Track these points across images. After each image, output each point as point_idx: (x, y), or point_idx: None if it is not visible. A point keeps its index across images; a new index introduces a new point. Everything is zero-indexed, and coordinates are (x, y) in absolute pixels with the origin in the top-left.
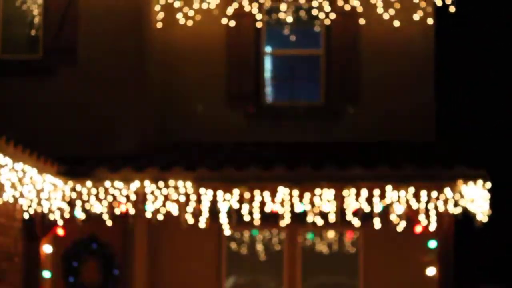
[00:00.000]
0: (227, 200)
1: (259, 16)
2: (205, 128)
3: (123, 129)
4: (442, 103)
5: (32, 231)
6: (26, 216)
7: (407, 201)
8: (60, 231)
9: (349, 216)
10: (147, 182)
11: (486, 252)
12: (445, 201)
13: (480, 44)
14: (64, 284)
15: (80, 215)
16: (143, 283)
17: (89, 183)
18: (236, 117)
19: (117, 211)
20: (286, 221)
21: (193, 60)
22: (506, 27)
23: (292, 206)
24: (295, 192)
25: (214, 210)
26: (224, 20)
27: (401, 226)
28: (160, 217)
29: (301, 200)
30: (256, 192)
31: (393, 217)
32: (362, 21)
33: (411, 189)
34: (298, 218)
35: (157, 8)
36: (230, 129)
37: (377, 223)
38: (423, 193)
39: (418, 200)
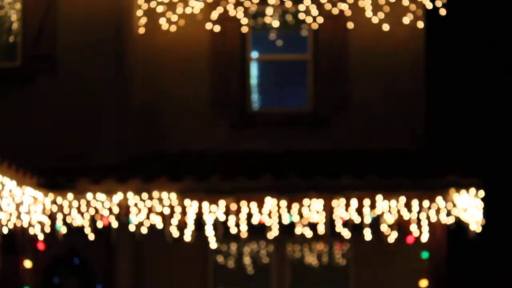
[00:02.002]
0: (213, 212)
1: (244, 21)
2: (190, 137)
3: (105, 139)
4: (433, 109)
5: (11, 246)
6: (5, 230)
7: (398, 211)
8: (41, 246)
9: (338, 227)
10: (130, 194)
11: (480, 263)
12: (437, 211)
13: (472, 48)
14: None
15: (61, 228)
16: None
17: (70, 196)
18: (221, 125)
19: (100, 224)
20: (274, 233)
21: (177, 67)
22: (499, 31)
23: (280, 217)
24: (283, 203)
25: (199, 223)
26: (208, 25)
27: (393, 237)
28: (144, 230)
29: (289, 211)
30: (243, 204)
31: (384, 228)
32: (350, 25)
33: (402, 199)
34: (286, 230)
35: (139, 13)
36: (216, 137)
37: (367, 234)
38: (415, 203)
39: (410, 210)
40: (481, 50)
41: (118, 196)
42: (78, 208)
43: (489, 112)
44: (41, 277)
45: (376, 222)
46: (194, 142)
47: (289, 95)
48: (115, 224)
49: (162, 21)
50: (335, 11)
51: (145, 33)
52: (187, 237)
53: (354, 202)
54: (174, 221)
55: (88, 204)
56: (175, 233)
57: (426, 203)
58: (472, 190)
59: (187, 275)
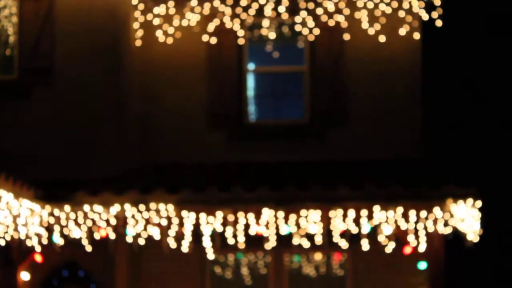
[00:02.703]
0: (210, 223)
1: (241, 33)
2: (187, 149)
3: (102, 151)
4: (430, 119)
5: (8, 258)
6: (2, 242)
7: (396, 222)
8: (38, 258)
9: (336, 238)
10: (127, 206)
11: (477, 273)
12: (435, 221)
13: (468, 59)
14: None
15: (58, 240)
16: None
17: (67, 208)
18: (218, 137)
19: (97, 236)
20: (271, 243)
21: (174, 79)
22: (494, 41)
23: (277, 228)
24: (280, 214)
25: (197, 234)
26: (205, 37)
27: (390, 247)
28: (141, 241)
29: (286, 222)
30: (240, 215)
31: (381, 238)
32: (346, 37)
33: (400, 209)
34: (284, 241)
35: (136, 25)
36: (213, 149)
37: (365, 245)
38: (412, 213)
39: (407, 220)
40: (477, 60)
41: (115, 208)
42: (76, 220)
43: (485, 121)
44: None
45: (373, 232)
46: (191, 153)
47: (286, 106)
48: (112, 236)
49: (159, 33)
50: (331, 22)
51: (142, 45)
52: (185, 248)
53: (351, 213)
54: (172, 232)
55: (86, 216)
56: (172, 244)
57: (423, 213)
58: (470, 200)
59: (184, 286)
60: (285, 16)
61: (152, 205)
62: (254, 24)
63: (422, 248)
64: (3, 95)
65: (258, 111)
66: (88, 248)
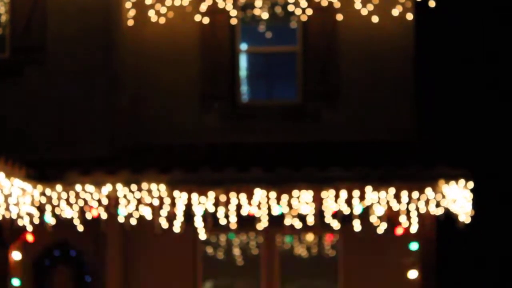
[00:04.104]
0: (202, 203)
1: (233, 13)
2: (179, 130)
3: (94, 131)
4: (422, 101)
5: (0, 238)
6: None
7: (388, 202)
8: (30, 237)
9: (328, 219)
10: (119, 186)
11: (469, 254)
12: (427, 202)
13: (462, 40)
14: None
15: (50, 220)
16: None
17: (59, 187)
18: (211, 118)
19: (89, 216)
20: (263, 224)
21: (166, 59)
22: (488, 22)
23: (269, 208)
24: (273, 194)
25: (189, 214)
26: (197, 17)
27: (382, 228)
28: (133, 221)
29: (278, 202)
30: (232, 195)
31: (373, 219)
32: (339, 17)
33: (392, 190)
34: (276, 221)
35: (128, 5)
36: (205, 130)
37: (357, 225)
38: (404, 194)
39: (399, 201)
40: (471, 41)
41: (107, 188)
42: (67, 200)
43: (477, 103)
44: (30, 269)
45: (365, 213)
46: (184, 134)
47: (279, 87)
48: (104, 216)
49: (151, 13)
50: (324, 2)
51: (134, 25)
52: (176, 228)
53: (343, 194)
54: (163, 212)
55: (77, 195)
56: (164, 224)
57: (415, 194)
58: (461, 181)
59: (176, 266)
60: None
61: (144, 185)
62: (246, 4)
63: (413, 229)
64: None
65: (250, 92)
66: (80, 228)
